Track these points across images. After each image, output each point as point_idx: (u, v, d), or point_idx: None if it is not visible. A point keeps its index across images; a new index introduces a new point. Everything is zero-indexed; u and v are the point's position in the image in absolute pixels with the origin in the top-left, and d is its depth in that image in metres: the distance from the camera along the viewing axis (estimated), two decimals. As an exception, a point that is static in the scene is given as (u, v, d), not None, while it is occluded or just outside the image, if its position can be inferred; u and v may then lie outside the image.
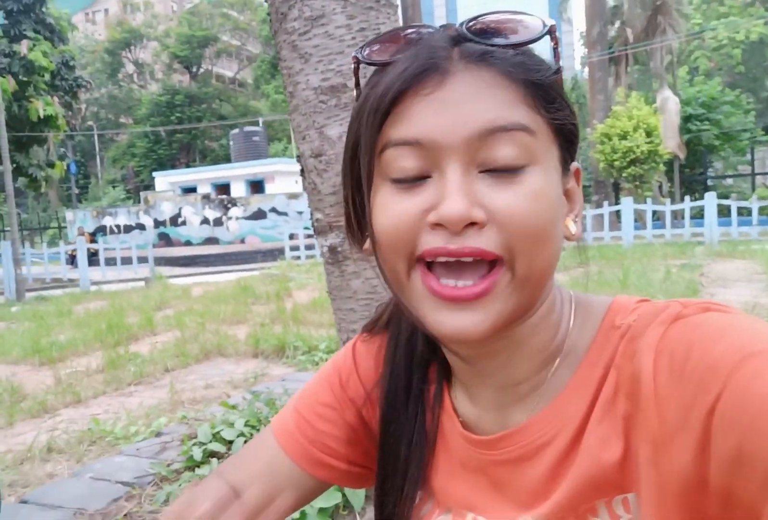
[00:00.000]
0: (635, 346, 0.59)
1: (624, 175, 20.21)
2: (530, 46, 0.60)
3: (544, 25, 0.59)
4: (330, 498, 2.02)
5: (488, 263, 0.57)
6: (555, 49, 0.62)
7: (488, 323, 0.57)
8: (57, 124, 16.93)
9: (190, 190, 28.70)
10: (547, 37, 0.60)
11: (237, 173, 28.00)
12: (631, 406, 0.58)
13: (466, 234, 0.55)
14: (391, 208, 0.59)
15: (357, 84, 0.66)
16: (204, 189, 28.36)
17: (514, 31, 0.59)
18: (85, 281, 14.75)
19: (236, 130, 31.95)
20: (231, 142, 32.02)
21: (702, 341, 0.53)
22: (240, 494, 0.79)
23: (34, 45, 16.71)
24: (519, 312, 0.59)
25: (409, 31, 0.61)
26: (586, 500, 0.60)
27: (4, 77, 14.80)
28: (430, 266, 0.58)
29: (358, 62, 0.64)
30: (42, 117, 16.26)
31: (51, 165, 18.17)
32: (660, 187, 23.10)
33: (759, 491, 0.47)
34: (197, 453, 2.67)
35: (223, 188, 28.60)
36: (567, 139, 0.62)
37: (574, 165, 0.66)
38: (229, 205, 25.18)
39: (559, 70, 0.61)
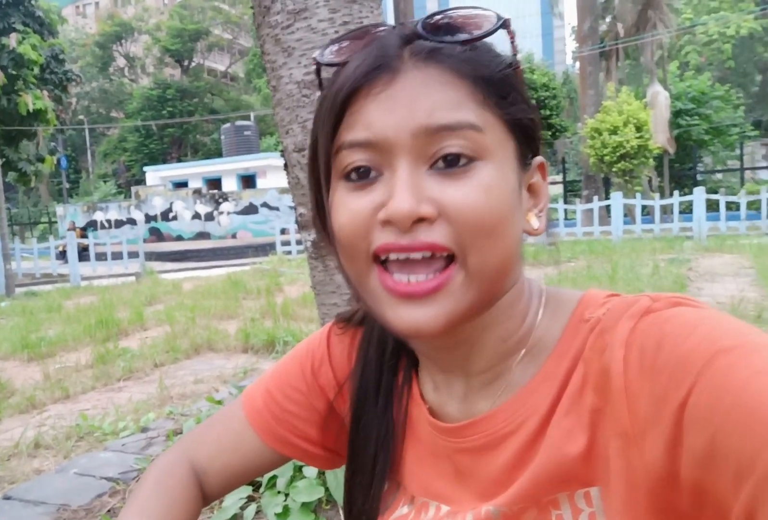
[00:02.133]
0: (605, 340, 0.59)
1: (614, 170, 20.24)
2: (486, 41, 0.60)
3: (498, 19, 0.59)
4: (313, 493, 2.03)
5: (444, 259, 0.58)
6: (512, 43, 0.61)
7: (442, 318, 0.57)
8: (47, 118, 16.80)
9: (182, 184, 28.62)
10: (504, 31, 0.59)
11: (228, 168, 27.93)
12: (599, 400, 0.58)
13: (416, 230, 0.56)
14: (345, 207, 0.60)
15: (320, 85, 0.66)
16: (195, 184, 28.28)
17: (468, 27, 0.59)
18: (75, 276, 14.71)
19: (228, 125, 31.85)
20: (222, 137, 31.93)
21: (672, 336, 0.54)
22: (203, 469, 0.83)
23: (23, 38, 16.55)
24: (474, 308, 0.60)
25: (363, 31, 0.62)
26: (548, 492, 0.60)
27: (-8, 71, 14.72)
28: (385, 264, 0.59)
29: (318, 64, 0.65)
30: (31, 111, 16.12)
31: (41, 159, 18.05)
32: (650, 181, 23.14)
33: (730, 486, 0.47)
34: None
35: (215, 183, 28.53)
36: (525, 134, 0.62)
37: (538, 159, 0.66)
38: (221, 200, 25.14)
39: (514, 64, 0.60)
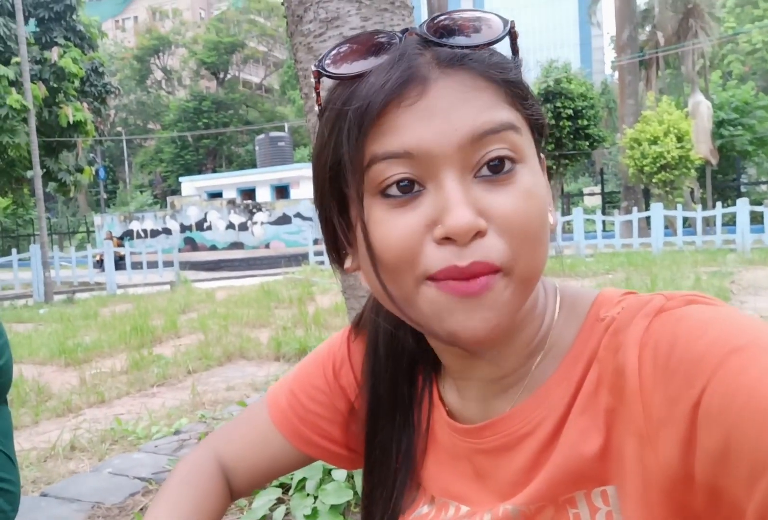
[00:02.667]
0: (619, 339, 0.59)
1: (654, 180, 19.99)
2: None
3: (505, 22, 0.59)
4: (341, 495, 2.04)
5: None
6: (514, 45, 0.61)
7: (494, 320, 0.56)
8: (86, 129, 17.15)
9: (216, 195, 28.94)
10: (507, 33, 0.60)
11: (262, 178, 28.17)
12: (613, 400, 0.58)
13: (472, 245, 0.55)
14: (390, 225, 0.57)
15: (318, 100, 0.64)
16: (230, 194, 28.57)
17: (478, 30, 0.58)
18: (111, 284, 14.94)
19: (262, 136, 32.14)
20: (257, 148, 32.21)
21: (686, 335, 0.53)
22: (229, 467, 0.85)
23: (65, 52, 16.95)
24: (519, 308, 0.59)
25: (374, 37, 0.60)
26: (565, 490, 0.60)
27: (35, 84, 15.05)
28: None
29: (319, 75, 0.61)
30: (71, 123, 16.49)
31: (80, 170, 18.40)
32: (692, 193, 22.82)
33: (744, 485, 0.47)
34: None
35: (249, 193, 28.79)
36: (540, 134, 0.63)
37: (542, 156, 0.66)
38: (255, 210, 25.34)
39: (519, 67, 0.61)
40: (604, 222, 19.83)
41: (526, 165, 0.58)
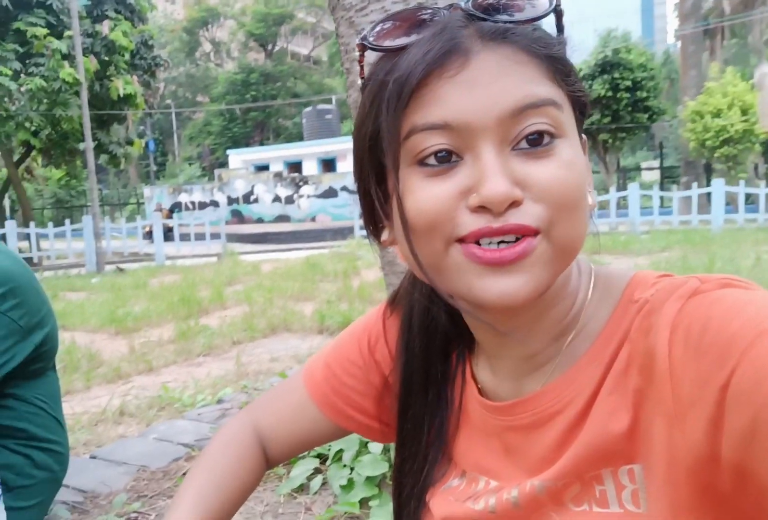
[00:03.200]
0: (651, 321, 0.59)
1: (716, 155, 19.35)
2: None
3: (550, 0, 0.59)
4: (377, 467, 2.08)
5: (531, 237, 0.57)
6: (559, 22, 0.62)
7: (530, 286, 0.57)
8: (136, 102, 17.37)
9: (263, 168, 29.10)
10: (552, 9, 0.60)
11: (309, 151, 28.21)
12: (642, 380, 0.59)
13: (507, 213, 0.55)
14: (425, 193, 0.58)
15: (362, 73, 0.65)
16: (276, 167, 28.69)
17: (523, 7, 0.59)
18: (160, 255, 15.23)
19: (309, 109, 32.10)
20: (304, 121, 32.18)
21: (718, 317, 0.53)
22: (266, 436, 0.88)
23: (115, 25, 17.11)
24: (554, 279, 0.60)
25: (410, 13, 0.60)
26: (592, 467, 0.61)
27: (86, 57, 15.28)
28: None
29: (363, 49, 0.63)
30: (122, 96, 16.72)
31: (130, 142, 18.70)
32: (755, 168, 22.05)
33: None
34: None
35: (295, 166, 28.88)
36: (581, 112, 0.63)
37: (584, 137, 0.67)
38: (301, 184, 25.42)
39: (565, 44, 0.61)
40: (661, 198, 19.10)
41: (565, 140, 0.58)
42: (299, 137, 38.63)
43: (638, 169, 35.00)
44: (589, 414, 0.62)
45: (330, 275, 9.85)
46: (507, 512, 0.68)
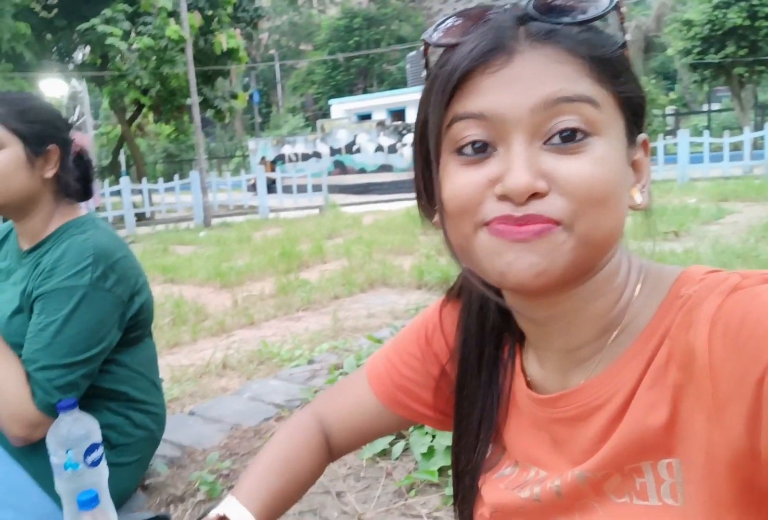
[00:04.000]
0: (692, 317, 0.60)
1: None
2: (599, 21, 0.62)
3: (611, 1, 0.60)
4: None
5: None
6: (621, 25, 0.63)
7: (542, 267, 0.59)
8: (239, 56, 17.68)
9: (366, 117, 29.03)
10: (615, 12, 0.61)
11: (412, 98, 27.74)
12: (682, 376, 0.60)
13: (529, 204, 0.58)
14: (458, 180, 0.62)
15: (426, 66, 0.70)
16: (379, 115, 28.54)
17: (582, 8, 0.61)
18: (264, 208, 15.63)
19: (413, 53, 31.52)
20: (408, 66, 31.66)
21: (757, 312, 0.54)
22: (330, 428, 0.94)
23: (218, -21, 17.34)
24: (577, 270, 0.62)
25: (476, 12, 0.64)
26: (631, 460, 0.63)
27: (191, 13, 15.58)
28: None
29: (426, 45, 0.68)
30: (225, 50, 17.04)
31: (234, 96, 19.09)
32: None
33: None
34: (340, 382, 2.86)
35: (399, 114, 28.62)
36: (634, 112, 0.64)
37: (642, 136, 0.68)
38: (404, 132, 25.17)
39: (625, 45, 0.62)
40: None
41: (601, 139, 0.60)
42: (404, 83, 38.17)
43: (779, 105, 32.28)
44: (629, 408, 0.64)
45: (430, 227, 9.77)
46: (551, 500, 0.70)
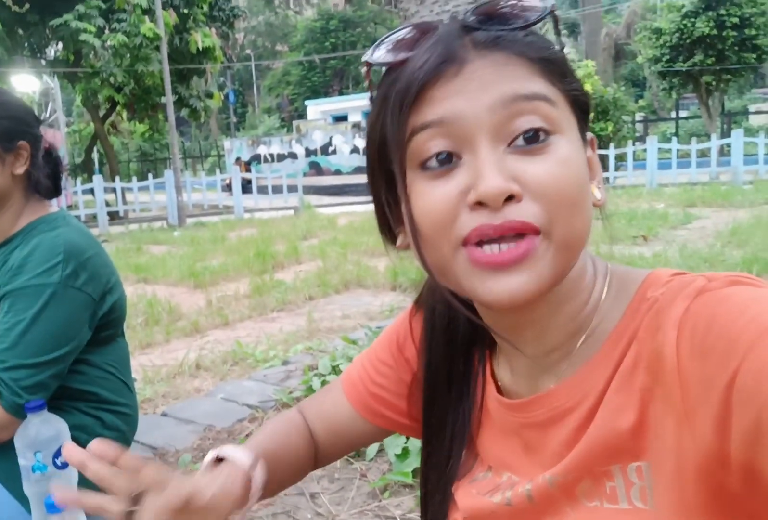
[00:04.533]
0: (659, 320, 0.60)
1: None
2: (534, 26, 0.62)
3: (545, 6, 0.61)
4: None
5: (531, 235, 0.59)
6: (556, 27, 0.65)
7: (533, 284, 0.58)
8: (214, 55, 17.55)
9: (341, 118, 29.00)
10: (550, 15, 0.63)
11: (388, 101, 27.84)
12: (650, 379, 0.60)
13: (505, 209, 0.57)
14: (428, 195, 0.60)
15: (370, 87, 0.68)
16: (355, 117, 28.51)
17: (517, 14, 0.61)
18: (239, 208, 15.57)
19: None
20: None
21: (723, 315, 0.54)
22: (315, 433, 0.94)
23: (194, -23, 17.22)
24: (558, 277, 0.61)
25: (418, 28, 0.64)
26: (600, 463, 0.63)
27: (166, 11, 15.44)
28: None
29: (369, 66, 0.66)
30: (201, 49, 16.91)
31: (209, 95, 18.92)
32: None
33: None
34: (316, 383, 2.85)
35: (374, 116, 28.58)
36: (582, 111, 0.65)
37: (589, 135, 0.68)
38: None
39: (563, 47, 0.64)
40: None
41: (562, 137, 0.60)
42: (378, 86, 38.14)
43: (745, 113, 32.60)
44: (597, 411, 0.63)
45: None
46: (523, 505, 0.70)
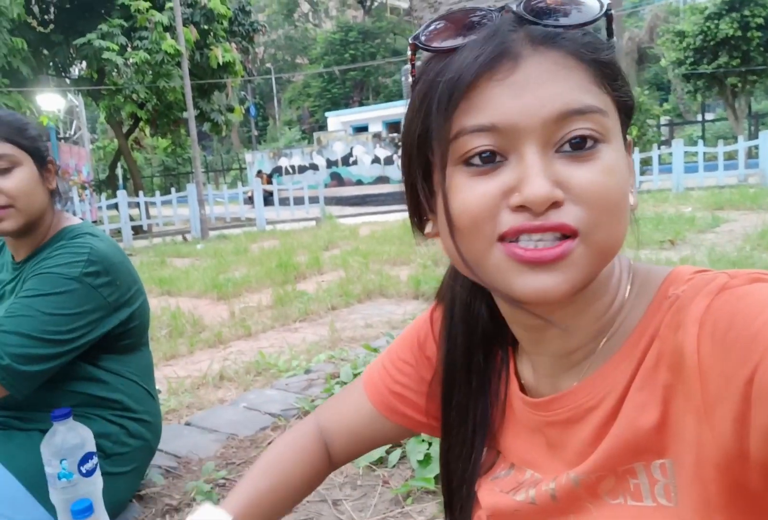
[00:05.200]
0: (680, 317, 0.60)
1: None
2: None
3: (602, 3, 0.60)
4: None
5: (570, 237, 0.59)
6: (609, 27, 0.63)
7: (568, 284, 0.59)
8: (235, 70, 17.73)
9: (362, 129, 29.09)
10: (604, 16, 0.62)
11: (407, 110, 27.88)
12: (672, 376, 0.60)
13: (547, 213, 0.57)
14: (470, 192, 0.60)
15: (413, 70, 0.67)
16: (375, 127, 28.61)
17: (573, 11, 0.60)
18: (261, 220, 15.62)
19: (408, 65, 31.67)
20: (403, 78, 31.63)
21: (744, 312, 0.54)
22: (330, 436, 0.94)
23: (214, -7, 17.42)
24: (591, 279, 0.62)
25: (470, 15, 0.62)
26: (624, 461, 0.63)
27: (187, 27, 15.65)
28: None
29: (416, 48, 0.65)
30: (221, 64, 17.10)
31: (231, 110, 19.11)
32: None
33: None
34: (338, 391, 2.86)
35: (395, 126, 28.65)
36: (627, 115, 0.65)
37: (628, 138, 0.67)
38: (400, 144, 25.14)
39: (614, 47, 0.62)
40: None
41: (609, 145, 0.60)
42: (399, 95, 38.26)
43: (774, 114, 32.37)
44: (621, 409, 0.63)
45: (423, 239, 9.76)
46: (546, 503, 0.70)
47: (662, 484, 0.61)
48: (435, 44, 0.62)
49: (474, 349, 0.82)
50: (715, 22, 23.31)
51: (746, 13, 22.88)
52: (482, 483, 0.81)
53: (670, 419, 0.60)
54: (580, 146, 0.58)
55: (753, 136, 22.72)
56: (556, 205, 0.57)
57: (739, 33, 22.98)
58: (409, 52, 0.65)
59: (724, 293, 0.57)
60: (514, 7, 0.60)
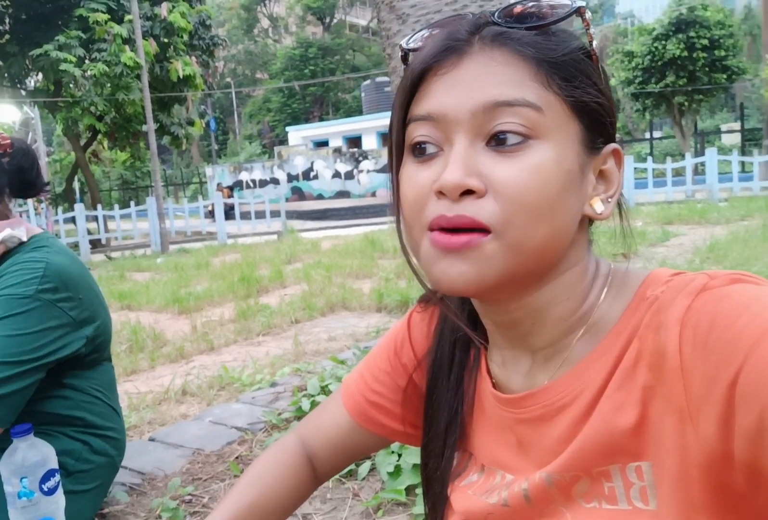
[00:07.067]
0: (660, 318, 0.60)
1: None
2: (562, 27, 0.62)
3: (572, 8, 0.61)
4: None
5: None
6: (586, 31, 0.64)
7: (476, 276, 0.60)
8: (195, 83, 17.61)
9: (322, 143, 29.14)
10: (579, 18, 0.63)
11: (368, 126, 28.07)
12: (652, 377, 0.60)
13: (463, 202, 0.59)
14: (410, 180, 0.64)
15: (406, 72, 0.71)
16: (336, 142, 28.69)
17: (543, 15, 0.62)
18: (222, 234, 15.51)
19: (368, 82, 31.89)
20: (363, 94, 32.00)
21: (726, 314, 0.54)
22: (312, 451, 0.93)
23: (174, 7, 17.29)
24: (514, 278, 0.62)
25: (447, 21, 0.67)
26: (597, 462, 0.63)
27: (146, 40, 15.53)
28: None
29: (403, 51, 0.70)
30: (181, 77, 16.98)
31: (191, 123, 18.98)
32: None
33: None
34: (305, 404, 2.82)
35: (355, 141, 28.80)
36: (591, 118, 0.63)
37: (612, 146, 0.67)
38: (360, 158, 25.29)
39: (587, 50, 0.63)
40: (742, 163, 18.31)
41: (542, 143, 0.60)
42: (359, 111, 38.49)
43: (718, 132, 33.32)
44: (596, 408, 0.63)
45: (389, 251, 9.82)
46: (519, 505, 0.70)
47: (638, 487, 0.60)
48: (410, 46, 0.69)
49: (457, 345, 0.83)
50: (663, 43, 24.13)
51: (692, 34, 23.76)
52: (455, 488, 0.80)
53: (648, 421, 0.60)
54: (504, 142, 0.59)
55: (699, 153, 23.50)
56: (474, 194, 0.59)
57: (685, 53, 23.81)
58: (397, 40, 0.72)
59: (704, 294, 0.58)
60: (487, 12, 0.63)
